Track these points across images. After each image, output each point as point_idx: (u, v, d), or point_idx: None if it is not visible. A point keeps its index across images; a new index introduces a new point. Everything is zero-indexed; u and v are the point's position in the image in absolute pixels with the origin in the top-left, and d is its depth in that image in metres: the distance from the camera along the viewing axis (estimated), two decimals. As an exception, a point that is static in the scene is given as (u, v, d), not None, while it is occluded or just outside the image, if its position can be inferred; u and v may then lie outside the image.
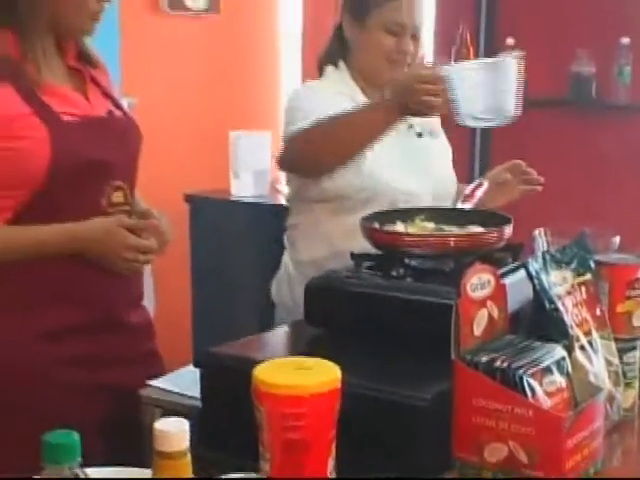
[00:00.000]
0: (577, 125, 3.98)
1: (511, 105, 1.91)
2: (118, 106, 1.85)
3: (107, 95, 1.84)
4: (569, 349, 1.31)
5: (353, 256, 1.64)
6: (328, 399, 1.18)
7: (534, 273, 1.34)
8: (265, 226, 3.99)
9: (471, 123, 1.98)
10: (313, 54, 4.55)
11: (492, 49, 4.08)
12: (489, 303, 1.30)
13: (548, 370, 1.23)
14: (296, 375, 1.19)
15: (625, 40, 3.72)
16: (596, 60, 3.81)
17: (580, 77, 3.84)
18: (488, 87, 1.88)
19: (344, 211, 2.16)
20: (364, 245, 1.78)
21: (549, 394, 1.22)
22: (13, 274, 1.67)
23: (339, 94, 2.23)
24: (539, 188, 2.34)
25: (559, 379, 1.25)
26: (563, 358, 1.27)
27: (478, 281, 1.29)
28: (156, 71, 4.11)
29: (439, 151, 2.38)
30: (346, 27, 2.29)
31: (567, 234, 2.29)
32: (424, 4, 2.29)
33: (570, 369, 1.28)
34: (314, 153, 2.06)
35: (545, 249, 1.95)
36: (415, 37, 2.23)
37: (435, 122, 2.36)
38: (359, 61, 2.29)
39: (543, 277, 1.34)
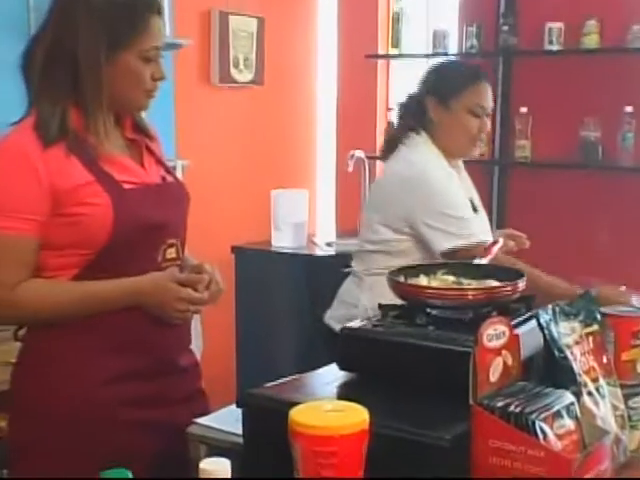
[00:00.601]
0: (585, 185, 3.95)
1: None
2: (169, 172, 1.87)
3: (160, 162, 1.85)
4: (578, 395, 1.29)
5: (380, 306, 1.63)
6: (357, 439, 1.18)
7: (544, 324, 1.33)
8: (302, 274, 4.00)
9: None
10: (346, 122, 4.63)
11: (508, 117, 4.09)
12: (504, 352, 1.29)
13: (559, 414, 1.22)
14: (328, 417, 1.19)
15: (628, 109, 3.71)
16: (602, 126, 3.79)
17: (587, 142, 3.82)
18: None
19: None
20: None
21: (559, 437, 1.20)
22: (81, 325, 1.67)
23: (449, 167, 2.36)
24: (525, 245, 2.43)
25: (569, 423, 1.23)
26: (572, 403, 1.25)
27: (494, 332, 1.28)
28: (207, 136, 4.16)
29: (484, 224, 2.48)
30: (430, 108, 2.36)
31: (575, 284, 2.28)
32: None
33: (579, 413, 1.26)
34: None
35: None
36: (489, 116, 2.34)
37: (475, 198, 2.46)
38: (443, 139, 2.36)
39: (553, 328, 1.33)
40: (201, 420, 1.63)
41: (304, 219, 4.14)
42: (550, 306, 1.36)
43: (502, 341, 1.28)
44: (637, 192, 3.82)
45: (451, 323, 1.58)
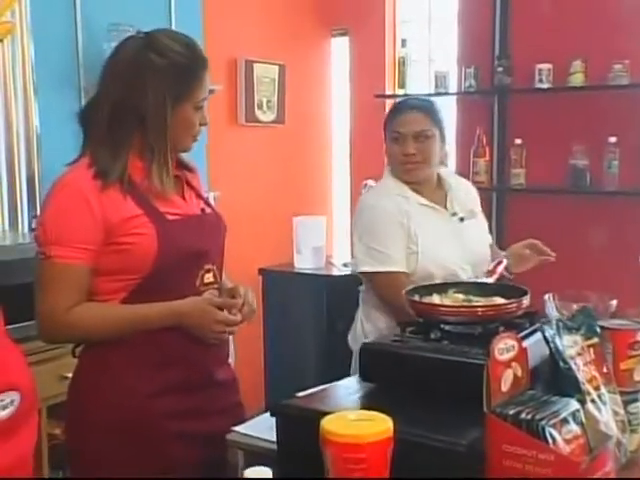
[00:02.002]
0: (575, 208, 3.92)
1: None
2: (208, 204, 1.87)
3: (199, 196, 1.86)
4: (582, 402, 1.26)
5: (399, 323, 1.61)
6: (383, 446, 1.16)
7: (550, 338, 1.30)
8: (321, 292, 3.98)
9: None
10: (359, 155, 4.62)
11: (504, 148, 4.07)
12: (514, 364, 1.26)
13: (566, 421, 1.19)
14: (357, 426, 1.17)
15: (612, 139, 3.69)
16: (589, 155, 3.77)
17: (576, 169, 3.80)
18: None
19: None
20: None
21: (567, 441, 1.17)
22: (131, 343, 1.66)
23: (398, 195, 2.29)
24: (552, 258, 2.33)
25: (575, 428, 1.20)
26: (578, 410, 1.22)
27: (504, 346, 1.25)
28: (235, 170, 4.16)
29: (478, 229, 2.39)
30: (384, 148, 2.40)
31: (570, 299, 2.25)
32: (431, 116, 2.31)
33: (584, 419, 1.23)
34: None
35: (554, 311, 1.91)
36: (420, 140, 2.26)
37: (472, 203, 2.39)
38: (391, 168, 2.37)
39: (557, 341, 1.30)
40: (238, 428, 1.61)
41: (323, 243, 4.13)
42: (554, 321, 1.33)
43: (512, 354, 1.26)
44: (622, 214, 3.79)
45: (462, 337, 1.56)
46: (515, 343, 1.27)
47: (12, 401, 1.15)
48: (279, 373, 4.05)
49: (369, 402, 1.44)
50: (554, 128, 3.92)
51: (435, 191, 2.36)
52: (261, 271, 4.11)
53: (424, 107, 2.33)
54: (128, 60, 1.68)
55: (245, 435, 1.58)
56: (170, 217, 1.70)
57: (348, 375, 2.06)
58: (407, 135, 2.26)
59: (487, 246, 2.38)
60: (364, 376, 1.53)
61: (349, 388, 1.56)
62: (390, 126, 2.32)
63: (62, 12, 3.33)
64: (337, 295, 3.85)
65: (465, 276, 2.18)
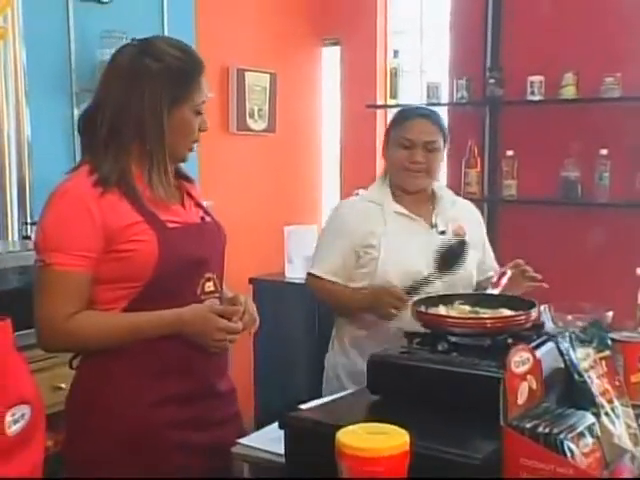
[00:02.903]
0: (567, 219, 3.94)
1: None
2: (208, 213, 1.85)
3: (199, 205, 1.85)
4: (597, 415, 1.26)
5: (406, 334, 1.60)
6: (401, 460, 1.14)
7: (564, 350, 1.30)
8: (313, 302, 3.94)
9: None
10: (349, 164, 4.62)
11: (496, 159, 4.09)
12: (529, 377, 1.26)
13: (582, 434, 1.19)
14: (373, 439, 1.15)
15: (604, 151, 3.70)
16: (580, 167, 3.78)
17: (568, 181, 3.81)
18: None
19: None
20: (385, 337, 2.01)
21: (585, 455, 1.16)
22: (132, 352, 1.64)
23: (370, 202, 2.28)
24: (545, 285, 2.20)
25: (591, 442, 1.20)
26: (593, 423, 1.22)
27: (520, 358, 1.25)
28: (227, 179, 4.14)
29: None
30: (383, 154, 2.37)
31: (565, 310, 2.25)
32: (439, 126, 2.28)
33: (599, 433, 1.22)
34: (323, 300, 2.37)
35: (550, 322, 1.91)
36: (429, 150, 2.24)
37: (461, 225, 2.31)
38: (389, 174, 2.33)
39: (572, 354, 1.30)
40: (243, 440, 1.59)
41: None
42: (567, 334, 1.33)
43: (527, 367, 1.26)
44: (613, 226, 3.81)
45: (470, 349, 1.55)
46: (530, 355, 1.27)
47: (23, 415, 1.13)
48: (269, 383, 4.02)
49: (379, 415, 1.42)
50: (546, 140, 3.93)
51: (423, 203, 2.33)
52: (252, 280, 4.09)
53: (434, 118, 2.32)
54: (124, 66, 1.68)
55: (250, 447, 1.56)
56: (170, 225, 1.69)
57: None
58: (417, 143, 2.23)
59: (469, 264, 2.28)
60: (372, 388, 1.52)
61: (357, 400, 1.55)
62: (398, 131, 2.28)
63: (55, 18, 3.31)
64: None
65: (437, 289, 2.13)
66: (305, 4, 4.60)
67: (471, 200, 3.76)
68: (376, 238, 2.21)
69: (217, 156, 4.06)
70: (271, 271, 4.15)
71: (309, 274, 2.34)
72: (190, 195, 1.83)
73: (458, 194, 2.57)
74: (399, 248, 2.20)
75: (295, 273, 4.04)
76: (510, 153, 3.96)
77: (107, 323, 1.64)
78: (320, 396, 2.26)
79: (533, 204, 3.99)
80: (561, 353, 1.29)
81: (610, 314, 2.32)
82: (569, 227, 3.92)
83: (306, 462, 1.38)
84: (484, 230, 2.48)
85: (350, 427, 1.19)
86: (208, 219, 1.83)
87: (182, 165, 1.86)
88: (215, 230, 1.83)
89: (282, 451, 1.45)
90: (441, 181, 3.22)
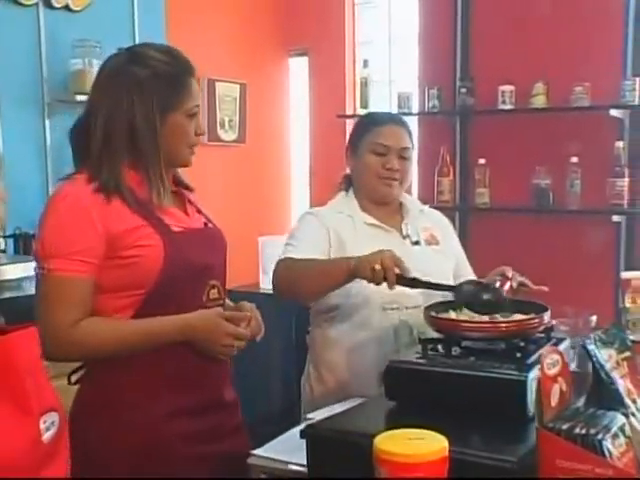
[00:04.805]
0: (538, 227, 4.00)
1: None
2: (210, 220, 1.84)
3: (200, 212, 1.83)
4: (626, 416, 1.27)
5: (420, 340, 1.60)
6: (440, 465, 1.14)
7: (592, 352, 1.31)
8: (290, 313, 3.94)
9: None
10: (319, 174, 4.62)
11: (467, 168, 4.13)
12: (559, 379, 1.26)
13: (616, 435, 1.20)
14: (412, 445, 1.15)
15: (574, 159, 3.77)
16: (551, 175, 3.84)
17: (539, 188, 3.87)
18: None
19: (340, 318, 2.08)
20: (362, 351, 1.97)
21: (621, 455, 1.17)
22: (141, 363, 1.61)
23: (340, 213, 2.15)
24: (544, 288, 2.12)
25: (624, 442, 1.21)
26: (624, 424, 1.23)
27: (551, 361, 1.25)
28: (199, 190, 4.06)
29: (437, 256, 2.18)
30: (348, 163, 2.22)
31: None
32: (410, 134, 2.19)
33: (630, 433, 1.24)
34: (292, 285, 2.06)
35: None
36: (402, 157, 2.13)
37: (433, 234, 2.21)
38: (358, 184, 2.18)
39: (599, 355, 1.31)
40: (258, 451, 1.57)
41: (288, 263, 4.08)
42: (592, 335, 1.34)
43: (557, 369, 1.26)
44: (584, 232, 3.87)
45: (484, 353, 1.56)
46: (559, 358, 1.28)
47: (53, 422, 1.11)
48: (246, 395, 3.96)
49: (403, 421, 1.41)
50: (517, 148, 3.99)
51: (392, 214, 2.21)
52: (227, 292, 4.05)
53: (406, 125, 2.22)
54: (112, 76, 1.67)
55: (268, 459, 1.53)
56: (175, 229, 1.67)
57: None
58: (392, 149, 2.10)
59: (447, 274, 2.17)
60: (390, 395, 1.52)
61: (375, 408, 1.54)
62: (370, 137, 2.13)
63: (26, 27, 3.26)
64: (306, 316, 3.81)
65: (414, 300, 2.01)
66: (271, 14, 4.60)
67: (444, 209, 3.81)
68: (348, 250, 2.06)
69: (188, 167, 4.01)
70: (246, 282, 4.12)
71: (281, 260, 2.11)
72: (192, 203, 1.82)
73: (425, 203, 2.40)
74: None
75: (270, 284, 4.01)
76: (482, 161, 4.01)
77: (113, 330, 1.61)
78: (297, 408, 2.23)
79: (505, 212, 4.04)
80: (589, 355, 1.30)
81: (594, 318, 2.36)
82: (541, 234, 3.98)
83: (330, 471, 1.37)
84: (457, 240, 2.37)
85: (387, 433, 1.18)
86: (210, 225, 1.81)
87: (181, 175, 1.85)
88: (218, 236, 1.82)
89: (302, 461, 1.43)
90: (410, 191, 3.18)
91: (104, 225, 1.58)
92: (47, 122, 3.32)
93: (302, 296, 2.11)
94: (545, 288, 2.06)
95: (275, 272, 2.10)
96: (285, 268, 2.06)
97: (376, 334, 2.03)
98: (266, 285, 4.03)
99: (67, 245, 1.57)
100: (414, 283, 1.80)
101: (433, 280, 1.83)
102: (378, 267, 1.75)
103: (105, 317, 1.62)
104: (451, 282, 2.09)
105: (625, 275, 2.64)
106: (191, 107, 1.69)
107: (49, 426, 1.09)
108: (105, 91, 1.67)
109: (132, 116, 1.63)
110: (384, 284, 1.78)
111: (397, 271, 1.76)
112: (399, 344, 2.00)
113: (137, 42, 3.61)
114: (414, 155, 2.29)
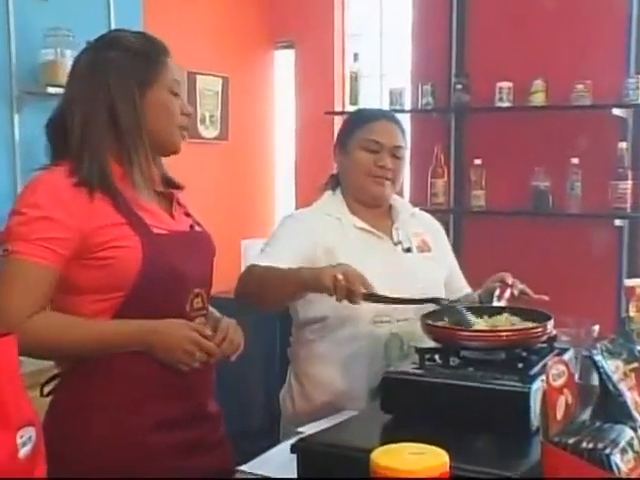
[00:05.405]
0: (537, 231, 4.03)
1: None
2: (198, 223, 1.84)
3: (188, 214, 1.83)
4: (634, 429, 1.28)
5: (417, 350, 1.60)
6: (441, 480, 1.15)
7: (599, 363, 1.32)
8: (274, 320, 3.94)
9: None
10: (305, 174, 4.63)
11: (462, 169, 4.16)
12: (565, 391, 1.27)
13: (625, 449, 1.21)
14: (411, 460, 1.15)
15: (575, 160, 3.81)
16: (551, 176, 3.88)
17: (538, 191, 3.90)
18: None
19: (326, 331, 2.08)
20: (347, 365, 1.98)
21: (630, 470, 1.19)
22: (120, 374, 1.61)
23: (327, 215, 2.13)
24: (544, 297, 2.09)
25: (633, 457, 1.22)
26: (632, 438, 1.25)
27: (557, 371, 1.26)
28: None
29: (429, 263, 2.17)
30: (337, 160, 2.20)
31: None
32: (403, 132, 2.19)
33: (638, 447, 1.25)
34: (250, 293, 2.05)
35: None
36: (395, 156, 2.12)
37: (425, 240, 2.20)
38: (347, 183, 2.16)
39: (606, 366, 1.32)
40: (245, 467, 1.57)
41: (272, 267, 4.09)
42: (598, 345, 1.36)
43: (563, 380, 1.27)
44: (585, 237, 3.91)
45: (483, 363, 1.57)
46: (565, 369, 1.29)
47: (30, 437, 1.10)
48: (226, 404, 3.96)
49: (399, 435, 1.41)
50: (515, 148, 4.03)
51: (382, 218, 2.20)
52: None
53: (399, 123, 2.22)
54: (87, 62, 1.69)
55: (255, 475, 1.53)
56: (156, 231, 1.66)
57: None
58: (385, 146, 2.09)
59: (439, 283, 2.18)
60: (386, 407, 1.52)
61: (369, 421, 1.54)
62: (361, 133, 2.12)
63: (-6, 17, 3.24)
64: (290, 324, 3.82)
65: (405, 312, 1.99)
66: (256, 4, 4.62)
67: (438, 211, 3.86)
68: (335, 255, 2.02)
69: (167, 165, 4.01)
70: (227, 288, 4.09)
71: (249, 265, 2.07)
72: (180, 204, 1.81)
73: (416, 205, 2.39)
74: (363, 270, 1.89)
75: (253, 290, 4.01)
76: (478, 162, 4.04)
77: (69, 326, 1.59)
78: (278, 418, 2.22)
79: (502, 215, 4.07)
80: (596, 366, 1.32)
81: (596, 328, 2.38)
82: (540, 239, 4.01)
83: (322, 487, 1.37)
84: (449, 247, 2.36)
85: (385, 447, 1.19)
86: (198, 229, 1.81)
87: (169, 173, 1.85)
88: (205, 240, 1.81)
89: (292, 476, 1.43)
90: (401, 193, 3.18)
91: (80, 217, 1.57)
92: (16, 116, 3.30)
93: (260, 305, 2.10)
94: (545, 297, 2.04)
95: (239, 278, 2.09)
96: (247, 274, 2.05)
97: (365, 348, 2.02)
98: (249, 291, 4.03)
99: (35, 230, 1.55)
100: (381, 299, 1.78)
101: (409, 295, 1.84)
102: (340, 277, 1.72)
103: (63, 314, 1.60)
104: (441, 292, 2.11)
105: (629, 282, 2.66)
106: (170, 81, 1.69)
107: (26, 441, 1.08)
108: (81, 80, 1.68)
109: (110, 98, 1.64)
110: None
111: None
112: (389, 358, 2.00)
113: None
114: (406, 155, 2.28)
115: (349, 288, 1.73)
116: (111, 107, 1.64)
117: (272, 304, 2.09)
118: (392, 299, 1.81)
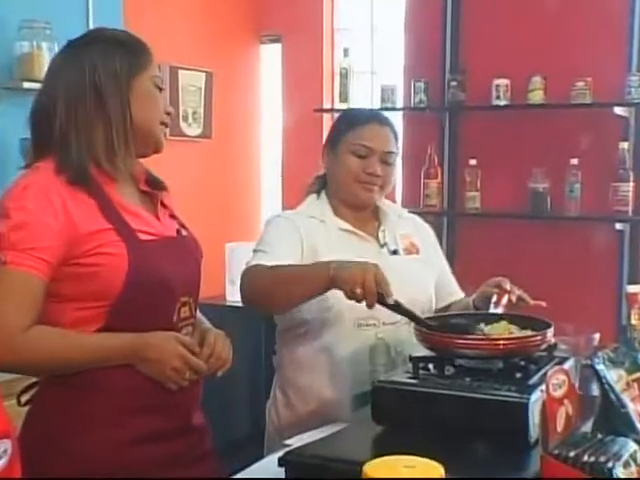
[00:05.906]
0: (534, 235, 4.04)
1: None
2: (184, 226, 1.84)
3: (173, 216, 1.83)
4: (637, 442, 1.29)
5: (411, 359, 1.61)
6: (436, 495, 1.15)
7: (601, 372, 1.33)
8: (258, 328, 3.94)
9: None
10: (292, 175, 4.63)
11: (456, 169, 4.17)
12: (566, 401, 1.28)
13: (628, 463, 1.21)
14: (405, 473, 1.15)
15: (574, 161, 3.82)
16: (550, 178, 3.89)
17: (536, 193, 3.92)
18: None
19: (310, 336, 2.08)
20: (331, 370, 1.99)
21: (633, 485, 1.20)
22: (102, 384, 1.60)
23: (311, 217, 2.14)
24: (542, 304, 2.12)
25: (635, 470, 1.23)
26: (636, 451, 1.25)
27: (557, 381, 1.27)
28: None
29: (413, 267, 2.18)
30: (325, 161, 2.21)
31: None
32: (395, 136, 2.19)
33: (640, 461, 1.26)
34: (263, 293, 2.03)
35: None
36: (385, 162, 2.13)
37: (413, 242, 2.23)
38: (334, 186, 2.18)
39: (608, 376, 1.33)
40: (232, 481, 1.57)
41: (258, 272, 4.09)
42: (600, 354, 1.37)
43: (563, 390, 1.28)
44: (584, 241, 3.92)
45: (479, 373, 1.58)
46: (565, 378, 1.30)
47: (5, 450, 1.10)
48: (211, 414, 3.97)
49: (391, 447, 1.42)
50: (512, 148, 4.04)
51: (368, 220, 2.22)
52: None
53: (392, 126, 2.22)
54: (70, 53, 1.70)
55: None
56: (143, 237, 1.66)
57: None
58: (375, 152, 2.11)
59: (427, 285, 2.20)
60: (378, 418, 1.53)
61: (359, 432, 1.55)
62: (351, 137, 2.13)
63: (-34, 6, 3.23)
64: (274, 330, 3.83)
65: (391, 315, 1.96)
66: (242, -4, 4.62)
67: (431, 214, 3.88)
68: (318, 257, 2.04)
69: (147, 164, 4.00)
70: (210, 294, 4.10)
71: (251, 266, 2.07)
72: (164, 205, 1.81)
73: (407, 207, 2.38)
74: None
75: (238, 296, 3.98)
76: (473, 162, 4.05)
77: (61, 341, 1.59)
78: (263, 428, 2.22)
79: (498, 218, 4.08)
80: (598, 376, 1.32)
81: (597, 336, 2.39)
82: (538, 243, 4.02)
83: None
84: (440, 251, 2.38)
85: (377, 460, 1.19)
86: (184, 232, 1.81)
87: (153, 172, 1.86)
88: (192, 246, 1.82)
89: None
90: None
91: (68, 222, 1.57)
92: (-10, 112, 3.29)
93: (274, 306, 2.09)
94: (543, 303, 2.06)
95: (243, 280, 2.07)
96: (255, 276, 2.03)
97: (349, 354, 2.03)
98: (233, 297, 4.03)
99: (26, 238, 1.55)
100: (394, 308, 1.79)
101: (417, 312, 1.85)
102: (359, 290, 1.74)
103: (55, 327, 1.60)
104: (432, 294, 2.16)
105: (631, 289, 2.67)
106: (155, 73, 1.72)
107: (1, 454, 1.08)
108: (63, 67, 1.69)
109: (97, 82, 1.65)
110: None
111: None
112: (375, 365, 2.00)
113: (91, 22, 3.61)
114: (398, 160, 2.28)
115: (365, 297, 1.74)
116: (97, 90, 1.65)
117: (287, 305, 2.05)
118: (405, 311, 1.81)
